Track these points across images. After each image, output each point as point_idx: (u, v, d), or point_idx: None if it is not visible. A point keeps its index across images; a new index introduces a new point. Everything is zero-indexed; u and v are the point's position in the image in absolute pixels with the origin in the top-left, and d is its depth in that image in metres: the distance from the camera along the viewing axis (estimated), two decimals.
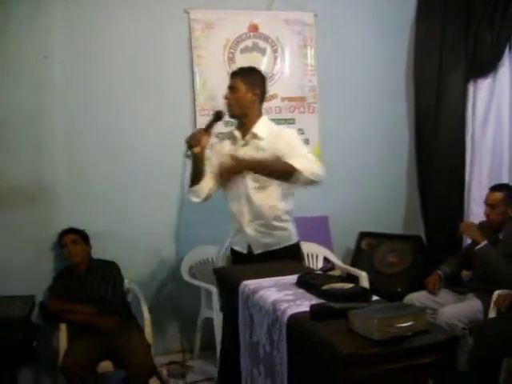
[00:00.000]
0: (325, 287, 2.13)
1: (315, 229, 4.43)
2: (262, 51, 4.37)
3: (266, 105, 4.29)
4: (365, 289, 2.07)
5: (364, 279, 4.04)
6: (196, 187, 3.06)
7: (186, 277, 4.12)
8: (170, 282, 4.32)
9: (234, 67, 4.25)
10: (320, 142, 4.47)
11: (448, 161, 4.38)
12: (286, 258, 2.90)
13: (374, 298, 2.14)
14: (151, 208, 4.20)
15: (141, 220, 4.17)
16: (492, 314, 3.45)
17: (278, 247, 3.04)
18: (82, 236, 3.79)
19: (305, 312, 1.96)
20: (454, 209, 4.35)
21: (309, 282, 2.24)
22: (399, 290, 4.11)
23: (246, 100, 2.97)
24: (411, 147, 4.83)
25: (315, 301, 2.06)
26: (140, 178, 4.17)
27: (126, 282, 3.87)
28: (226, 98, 3.00)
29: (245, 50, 4.33)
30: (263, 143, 2.95)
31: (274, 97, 4.37)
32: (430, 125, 4.50)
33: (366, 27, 4.64)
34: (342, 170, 4.52)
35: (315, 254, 4.34)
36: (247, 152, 2.93)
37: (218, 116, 3.00)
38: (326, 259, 4.36)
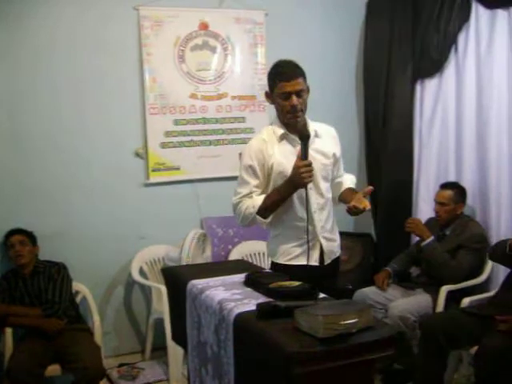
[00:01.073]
0: (272, 286, 2.13)
1: None
2: (213, 49, 4.35)
3: (215, 103, 4.34)
4: (312, 287, 2.07)
5: None
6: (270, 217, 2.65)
7: (137, 277, 4.07)
8: (120, 283, 4.27)
9: (184, 65, 4.24)
10: None
11: (397, 160, 4.44)
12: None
13: (322, 295, 2.16)
14: (100, 208, 4.13)
15: (89, 220, 4.11)
16: (440, 308, 3.53)
17: (338, 254, 2.84)
18: (29, 237, 3.70)
19: (251, 311, 1.95)
20: (403, 207, 4.41)
21: (256, 280, 2.24)
22: (350, 287, 4.16)
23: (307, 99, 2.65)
24: (361, 146, 4.90)
25: (262, 299, 2.06)
26: (88, 178, 4.10)
27: (74, 283, 3.79)
28: (294, 104, 2.56)
29: (195, 48, 4.30)
30: (322, 142, 2.71)
31: (224, 95, 4.36)
32: (379, 124, 4.57)
33: (316, 27, 4.68)
34: None
35: (265, 252, 4.32)
36: (313, 154, 2.59)
37: (307, 136, 2.52)
38: None
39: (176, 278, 2.60)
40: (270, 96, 2.71)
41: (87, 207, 4.10)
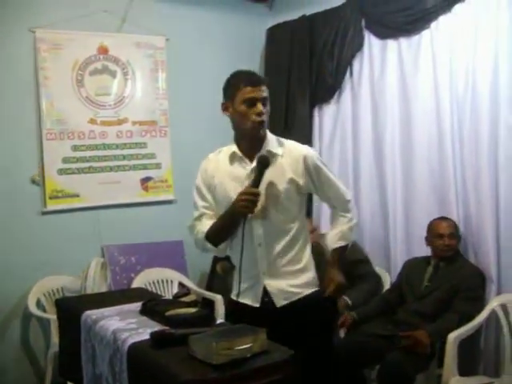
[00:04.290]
0: (168, 313, 2.09)
1: (170, 254, 4.38)
2: (113, 74, 4.28)
3: (116, 129, 4.27)
4: (208, 313, 2.06)
5: (219, 302, 4.03)
6: (222, 245, 2.41)
7: (34, 309, 3.89)
8: (16, 316, 4.05)
9: (83, 90, 4.15)
10: (172, 166, 4.45)
11: None
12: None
13: (220, 321, 2.14)
14: None
15: None
16: (342, 333, 3.60)
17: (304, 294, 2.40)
18: None
19: (146, 340, 1.91)
20: None
21: (152, 308, 2.20)
22: None
23: None
24: None
25: (158, 328, 2.02)
26: None
27: None
28: (262, 113, 2.29)
29: (94, 73, 4.22)
30: (282, 161, 2.35)
31: (124, 121, 4.29)
32: None
33: (217, 53, 4.72)
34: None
35: (170, 279, 4.28)
36: (269, 175, 2.29)
37: (266, 162, 2.27)
38: (181, 284, 4.31)
39: (70, 309, 2.51)
40: (228, 107, 2.38)
41: None
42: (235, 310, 2.42)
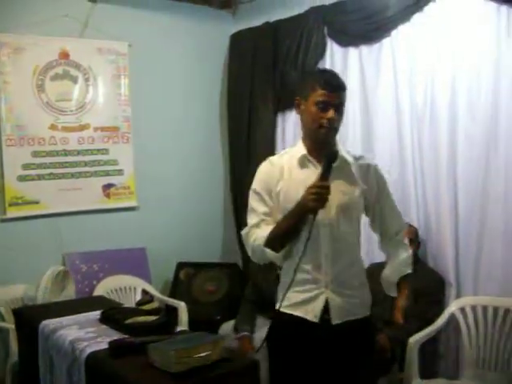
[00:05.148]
0: (128, 321, 2.07)
1: (133, 261, 4.34)
2: (74, 79, 4.23)
3: (77, 135, 4.22)
4: (168, 320, 2.04)
5: (183, 310, 4.02)
6: (282, 251, 2.19)
7: None
8: None
9: (44, 95, 4.09)
10: (135, 172, 4.41)
11: None
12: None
13: (181, 328, 2.13)
14: None
15: None
16: None
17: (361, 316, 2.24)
18: None
19: (105, 349, 1.89)
20: None
21: (112, 317, 2.18)
22: (218, 317, 4.15)
23: None
24: (226, 178, 4.95)
25: (117, 336, 2.00)
26: None
27: None
28: (333, 120, 2.15)
29: (55, 78, 4.15)
30: (354, 170, 2.23)
31: (86, 127, 4.24)
32: (243, 157, 4.67)
33: (180, 58, 4.70)
34: (157, 200, 4.51)
35: (133, 286, 4.24)
36: (340, 183, 2.16)
37: (334, 156, 2.14)
38: (144, 291, 4.27)
39: (29, 318, 2.47)
40: (300, 104, 2.22)
41: None
42: (282, 323, 2.18)
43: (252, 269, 4.01)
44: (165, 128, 4.58)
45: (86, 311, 2.39)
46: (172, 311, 4.01)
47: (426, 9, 3.56)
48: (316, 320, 2.13)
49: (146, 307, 2.47)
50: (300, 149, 2.23)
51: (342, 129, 3.94)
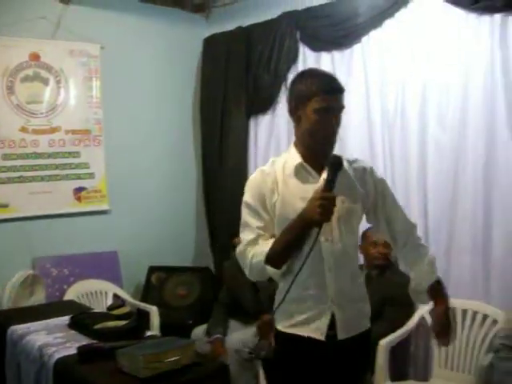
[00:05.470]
0: (97, 326, 2.06)
1: (104, 265, 4.30)
2: (45, 81, 4.18)
3: (48, 137, 4.17)
4: (138, 325, 2.03)
5: (155, 314, 3.99)
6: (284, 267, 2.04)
7: None
8: None
9: (14, 97, 4.04)
10: (106, 175, 4.37)
11: (232, 195, 4.53)
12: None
13: (152, 333, 2.12)
14: None
15: None
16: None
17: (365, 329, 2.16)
18: None
19: (73, 355, 1.88)
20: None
21: (81, 322, 2.16)
22: (190, 322, 4.13)
23: None
24: (199, 181, 4.94)
25: (86, 342, 1.98)
26: None
27: None
28: (336, 125, 2.02)
29: (25, 80, 4.10)
30: (351, 175, 2.09)
31: (57, 129, 4.19)
32: (216, 160, 4.67)
33: (153, 62, 4.68)
34: (129, 203, 4.49)
35: (104, 291, 4.20)
36: (337, 193, 1.94)
37: (339, 163, 1.96)
38: (115, 296, 4.24)
39: None
40: (296, 110, 2.04)
41: None
42: (285, 343, 2.07)
43: (226, 273, 4.01)
44: (137, 131, 4.56)
45: (56, 316, 2.38)
46: (143, 316, 3.98)
47: (397, 15, 3.62)
48: (322, 338, 2.02)
49: (117, 312, 2.46)
50: (294, 156, 2.06)
51: None
